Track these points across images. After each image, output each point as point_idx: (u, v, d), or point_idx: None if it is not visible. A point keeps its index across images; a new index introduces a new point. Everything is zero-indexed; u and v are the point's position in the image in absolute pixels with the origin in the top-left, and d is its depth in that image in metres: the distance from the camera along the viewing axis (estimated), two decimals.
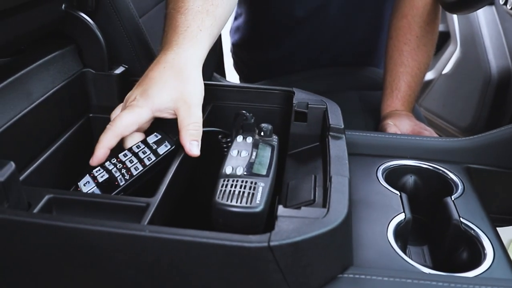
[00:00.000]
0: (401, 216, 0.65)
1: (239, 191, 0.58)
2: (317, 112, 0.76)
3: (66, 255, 0.51)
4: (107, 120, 0.78)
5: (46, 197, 0.55)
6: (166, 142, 0.68)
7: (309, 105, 0.76)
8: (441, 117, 1.89)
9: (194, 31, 0.73)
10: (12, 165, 0.52)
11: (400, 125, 1.05)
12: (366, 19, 1.34)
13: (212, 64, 1.40)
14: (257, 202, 0.57)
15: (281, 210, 0.52)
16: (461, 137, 0.82)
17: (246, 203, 0.57)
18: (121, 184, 0.63)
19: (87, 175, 0.64)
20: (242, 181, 0.60)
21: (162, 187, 0.59)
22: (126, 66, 0.83)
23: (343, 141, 0.69)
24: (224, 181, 0.60)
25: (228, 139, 0.74)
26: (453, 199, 0.69)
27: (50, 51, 0.75)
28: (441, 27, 1.20)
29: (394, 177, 0.76)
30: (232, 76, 1.69)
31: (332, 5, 1.28)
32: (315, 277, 0.50)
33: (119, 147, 0.68)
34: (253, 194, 0.58)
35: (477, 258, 0.61)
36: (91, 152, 0.77)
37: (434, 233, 0.73)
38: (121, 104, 0.71)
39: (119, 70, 0.81)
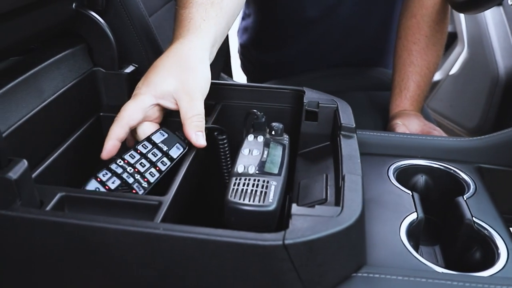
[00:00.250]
0: (413, 216, 0.65)
1: (252, 190, 0.58)
2: (327, 111, 0.76)
3: (79, 253, 0.51)
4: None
5: (58, 195, 0.55)
6: (178, 144, 0.67)
7: (320, 104, 0.76)
8: (448, 118, 1.88)
9: (197, 22, 0.73)
10: (24, 163, 0.52)
11: (409, 125, 1.05)
12: (376, 20, 1.33)
13: (219, 64, 1.39)
14: (270, 200, 0.57)
15: (295, 208, 0.52)
16: (468, 138, 0.82)
17: (259, 201, 0.57)
18: (140, 192, 0.61)
19: (93, 180, 0.61)
20: (254, 180, 0.60)
21: (174, 185, 0.58)
22: (136, 65, 0.83)
23: (355, 140, 0.68)
24: (236, 179, 0.60)
25: (224, 136, 0.73)
26: (465, 198, 0.69)
27: (61, 50, 0.75)
28: (448, 28, 1.19)
29: (405, 176, 0.76)
30: (239, 77, 1.69)
31: (342, 6, 1.28)
32: (329, 276, 0.50)
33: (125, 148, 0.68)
34: (265, 192, 0.58)
35: (490, 257, 0.61)
36: (101, 150, 0.77)
37: (446, 233, 0.72)
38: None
39: (129, 69, 0.81)
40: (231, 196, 0.57)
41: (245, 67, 1.55)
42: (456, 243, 0.67)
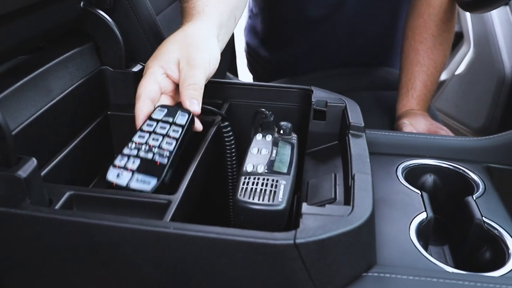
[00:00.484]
0: (423, 215, 0.65)
1: (261, 189, 0.58)
2: (336, 110, 0.76)
3: (88, 252, 0.51)
4: (125, 118, 0.78)
5: (67, 194, 0.55)
6: (180, 112, 0.67)
7: (328, 103, 0.76)
8: (454, 118, 1.88)
9: (200, 7, 0.75)
10: (34, 161, 0.52)
11: (416, 124, 1.04)
12: (381, 19, 1.33)
13: (225, 63, 1.39)
14: (280, 199, 0.57)
15: (305, 207, 0.52)
16: (477, 137, 0.81)
17: (269, 200, 0.56)
18: (165, 162, 0.60)
19: (112, 167, 0.59)
20: (264, 179, 0.60)
21: (183, 184, 0.58)
22: (144, 64, 0.83)
23: (364, 140, 0.68)
24: (245, 178, 0.60)
25: (226, 123, 0.73)
26: (474, 198, 0.69)
27: (69, 48, 0.75)
28: (455, 27, 1.19)
29: (413, 176, 0.76)
30: (245, 77, 1.68)
31: (346, 5, 1.28)
32: (340, 276, 0.50)
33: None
34: (275, 192, 0.58)
35: (501, 257, 0.60)
36: (109, 149, 0.77)
37: (455, 233, 0.72)
38: None
39: (136, 68, 0.81)
40: (240, 195, 0.57)
41: (251, 66, 1.54)
42: (465, 243, 0.66)
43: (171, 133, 0.64)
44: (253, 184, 0.59)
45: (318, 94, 0.78)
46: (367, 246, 0.53)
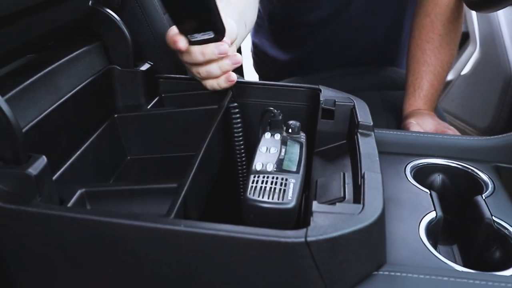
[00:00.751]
0: (432, 214, 0.64)
1: (271, 187, 0.58)
2: (344, 109, 0.75)
3: (98, 249, 0.51)
4: (132, 117, 0.79)
5: (79, 192, 0.55)
6: None
7: (336, 103, 0.75)
8: (459, 118, 1.87)
9: None
10: (44, 159, 0.52)
11: (423, 124, 1.04)
12: (387, 18, 1.33)
13: None
14: (289, 198, 0.57)
15: (315, 205, 0.52)
16: (485, 137, 0.81)
17: (278, 199, 0.56)
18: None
19: None
20: (273, 177, 0.60)
21: (192, 168, 0.58)
22: (151, 63, 0.83)
23: (373, 139, 0.68)
24: (254, 177, 0.60)
25: (235, 104, 0.74)
26: (484, 198, 0.68)
27: (77, 47, 0.75)
28: (462, 27, 1.18)
29: (422, 175, 0.75)
30: (250, 76, 1.68)
31: (352, 4, 1.27)
32: (350, 274, 0.50)
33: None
34: (284, 190, 0.58)
35: (510, 257, 0.60)
36: (116, 149, 0.77)
37: (464, 232, 0.72)
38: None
39: (144, 67, 0.81)
40: (249, 194, 0.57)
41: (257, 66, 1.54)
42: (475, 243, 0.66)
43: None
44: (262, 183, 0.59)
45: (326, 93, 0.78)
46: (378, 244, 0.53)
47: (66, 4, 0.70)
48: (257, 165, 0.62)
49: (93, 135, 0.74)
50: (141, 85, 0.80)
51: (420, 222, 0.63)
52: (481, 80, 1.79)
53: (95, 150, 0.73)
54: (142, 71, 0.80)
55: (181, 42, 0.67)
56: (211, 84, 0.73)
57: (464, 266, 0.57)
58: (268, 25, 1.42)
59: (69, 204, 0.53)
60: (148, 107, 0.81)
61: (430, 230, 0.63)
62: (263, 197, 0.56)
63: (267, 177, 0.59)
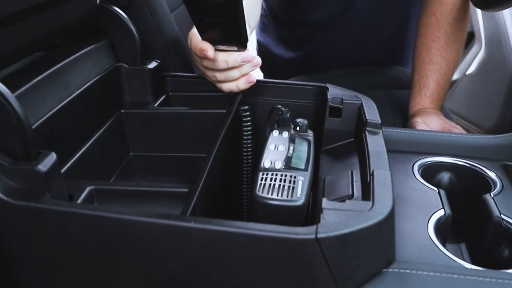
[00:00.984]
0: (441, 212, 0.64)
1: (279, 185, 0.58)
2: (352, 107, 0.75)
3: (108, 246, 0.51)
4: (140, 115, 0.79)
5: (88, 189, 0.55)
6: None
7: (344, 101, 0.75)
8: (464, 118, 1.87)
9: None
10: (53, 156, 0.52)
11: (430, 123, 1.04)
12: (393, 18, 1.32)
13: None
14: (298, 195, 0.57)
15: (325, 202, 0.51)
16: (493, 135, 0.81)
17: (287, 196, 0.56)
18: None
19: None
20: (282, 175, 0.60)
21: (203, 173, 0.58)
22: (159, 61, 0.83)
23: (381, 136, 0.68)
24: (263, 174, 0.60)
25: (246, 107, 0.74)
26: (492, 196, 0.68)
27: (85, 45, 0.75)
28: (468, 26, 1.18)
29: (429, 174, 0.75)
30: (255, 75, 1.68)
31: (358, 3, 1.27)
32: (360, 271, 0.50)
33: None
34: (293, 187, 0.58)
35: None
36: (120, 145, 0.77)
37: (473, 231, 0.71)
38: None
39: (152, 65, 0.81)
40: (258, 191, 0.57)
41: (263, 64, 1.54)
42: (483, 241, 0.66)
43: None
44: (271, 180, 0.59)
45: (334, 92, 0.78)
46: (388, 241, 0.53)
47: (74, 2, 0.71)
48: (266, 162, 0.62)
49: (99, 131, 0.74)
50: (148, 83, 0.80)
51: (428, 220, 0.63)
52: (487, 80, 1.79)
53: (100, 145, 0.73)
54: (150, 69, 0.81)
55: (210, 51, 0.68)
56: (228, 86, 0.74)
57: (473, 264, 0.57)
58: (273, 24, 1.41)
59: (78, 201, 0.53)
60: (155, 105, 0.81)
61: (439, 228, 0.63)
62: (272, 194, 0.56)
63: (276, 175, 0.59)
